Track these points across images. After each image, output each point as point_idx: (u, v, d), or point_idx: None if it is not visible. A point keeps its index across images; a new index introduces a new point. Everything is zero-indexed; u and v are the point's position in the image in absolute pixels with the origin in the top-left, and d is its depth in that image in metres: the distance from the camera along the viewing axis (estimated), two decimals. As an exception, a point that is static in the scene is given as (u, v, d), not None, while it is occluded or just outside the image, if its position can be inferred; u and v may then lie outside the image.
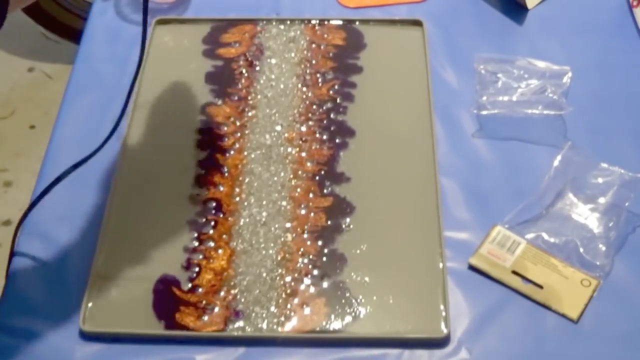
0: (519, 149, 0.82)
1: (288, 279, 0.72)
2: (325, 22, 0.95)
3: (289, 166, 0.80)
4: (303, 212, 0.77)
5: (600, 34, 0.95)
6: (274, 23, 0.95)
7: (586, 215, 0.76)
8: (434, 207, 0.76)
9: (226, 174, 0.80)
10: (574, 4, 0.99)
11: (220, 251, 0.74)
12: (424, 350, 0.67)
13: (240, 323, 0.69)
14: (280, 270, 0.72)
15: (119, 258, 0.73)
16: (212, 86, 0.88)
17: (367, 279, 0.72)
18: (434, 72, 0.89)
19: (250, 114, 0.85)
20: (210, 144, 0.82)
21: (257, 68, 0.90)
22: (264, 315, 0.69)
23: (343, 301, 0.70)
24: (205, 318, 0.69)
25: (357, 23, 0.95)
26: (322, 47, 0.92)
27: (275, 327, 0.69)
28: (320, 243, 0.74)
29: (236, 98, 0.87)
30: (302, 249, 0.74)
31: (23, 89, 1.93)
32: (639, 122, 0.85)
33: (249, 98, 0.87)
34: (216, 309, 0.70)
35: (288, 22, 0.95)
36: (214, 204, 0.77)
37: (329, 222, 0.76)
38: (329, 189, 0.79)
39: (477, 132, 0.84)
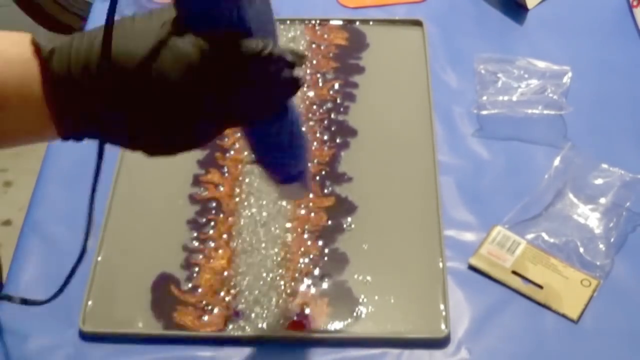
0: (519, 149, 0.82)
1: (288, 278, 0.72)
2: (326, 22, 0.95)
3: (289, 166, 0.80)
4: (303, 212, 0.77)
5: (600, 34, 0.95)
6: (274, 23, 0.95)
7: (586, 215, 0.76)
8: (434, 207, 0.76)
9: (226, 174, 0.80)
10: (574, 4, 0.99)
11: (220, 251, 0.74)
12: (424, 350, 0.67)
13: (240, 323, 0.69)
14: (280, 270, 0.72)
15: (119, 258, 0.74)
16: (212, 86, 0.88)
17: (369, 278, 0.72)
18: (434, 72, 0.89)
19: (250, 114, 0.85)
20: (210, 143, 0.82)
21: (257, 68, 0.90)
22: (264, 315, 0.69)
23: (345, 301, 0.70)
24: (205, 318, 0.69)
25: (357, 23, 0.95)
26: (322, 47, 0.92)
27: (275, 327, 0.69)
28: (321, 243, 0.74)
29: (236, 98, 0.87)
30: (302, 249, 0.74)
31: (23, 89, 1.92)
32: (639, 122, 0.85)
33: (249, 98, 0.87)
34: (216, 309, 0.70)
35: (288, 22, 0.95)
36: (214, 204, 0.77)
37: (330, 222, 0.76)
38: (330, 189, 0.78)
39: (477, 132, 0.84)
